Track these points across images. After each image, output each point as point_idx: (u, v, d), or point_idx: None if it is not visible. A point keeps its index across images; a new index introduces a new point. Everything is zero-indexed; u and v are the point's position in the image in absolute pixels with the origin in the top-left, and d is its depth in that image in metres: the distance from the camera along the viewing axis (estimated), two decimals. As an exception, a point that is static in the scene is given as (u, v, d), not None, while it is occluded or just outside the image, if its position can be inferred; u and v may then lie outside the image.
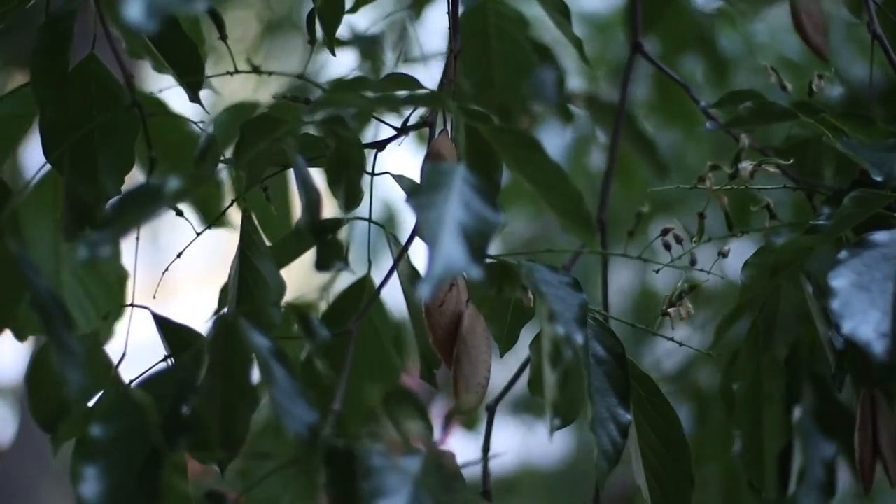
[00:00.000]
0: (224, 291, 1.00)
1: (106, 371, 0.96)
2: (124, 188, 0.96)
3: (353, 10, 1.19)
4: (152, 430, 0.68)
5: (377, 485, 0.67)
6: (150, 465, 0.68)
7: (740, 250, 1.03)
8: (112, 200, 0.73)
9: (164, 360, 0.93)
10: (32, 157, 2.26)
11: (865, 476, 0.97)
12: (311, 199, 0.74)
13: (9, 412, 3.02)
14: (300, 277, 1.09)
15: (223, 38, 0.91)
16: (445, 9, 1.03)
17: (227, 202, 1.06)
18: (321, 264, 0.74)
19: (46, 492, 2.35)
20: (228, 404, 0.75)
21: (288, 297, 0.96)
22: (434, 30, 1.77)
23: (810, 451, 1.18)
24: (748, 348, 1.01)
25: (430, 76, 1.59)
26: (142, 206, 0.71)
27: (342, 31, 1.03)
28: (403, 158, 1.07)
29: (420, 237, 0.72)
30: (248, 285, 0.94)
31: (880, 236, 0.85)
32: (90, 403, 0.95)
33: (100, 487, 0.68)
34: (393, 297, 1.01)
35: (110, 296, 1.09)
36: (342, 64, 1.60)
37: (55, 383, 0.91)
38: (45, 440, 0.97)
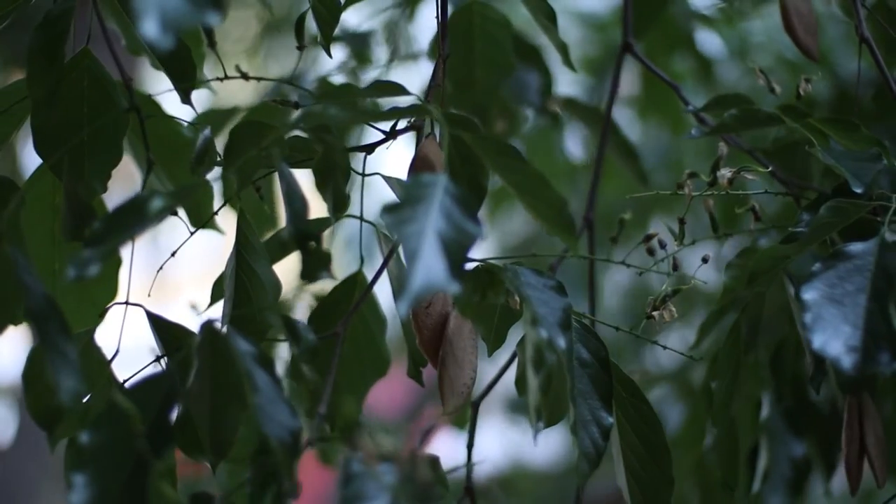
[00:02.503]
0: (217, 287, 1.01)
1: (100, 368, 0.96)
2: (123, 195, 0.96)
3: (344, 7, 1.20)
4: (138, 439, 0.69)
5: (355, 491, 0.68)
6: (137, 473, 0.69)
7: (734, 250, 1.04)
8: (99, 219, 0.74)
9: (157, 360, 0.94)
10: (31, 154, 2.27)
11: (852, 476, 0.98)
12: (297, 209, 0.75)
13: (9, 412, 3.03)
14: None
15: (212, 45, 0.92)
16: (437, 8, 1.04)
17: (217, 203, 1.07)
18: (306, 274, 0.75)
19: (46, 492, 2.36)
20: (217, 408, 0.76)
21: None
22: (427, 27, 1.77)
23: (778, 449, 1.19)
24: (728, 348, 1.02)
25: (421, 75, 1.60)
26: (128, 224, 0.72)
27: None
28: (397, 156, 1.08)
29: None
30: (245, 285, 0.95)
31: (854, 247, 0.85)
32: (85, 399, 0.96)
33: (88, 495, 0.69)
34: (384, 293, 1.02)
35: (104, 287, 1.10)
36: (336, 60, 1.60)
37: (51, 382, 0.92)
38: (45, 440, 0.97)
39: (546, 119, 1.60)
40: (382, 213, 0.70)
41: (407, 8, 1.68)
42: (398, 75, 1.65)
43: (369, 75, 1.63)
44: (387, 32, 1.61)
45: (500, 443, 2.62)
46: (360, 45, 1.62)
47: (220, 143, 0.97)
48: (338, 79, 1.56)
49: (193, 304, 1.27)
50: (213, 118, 1.35)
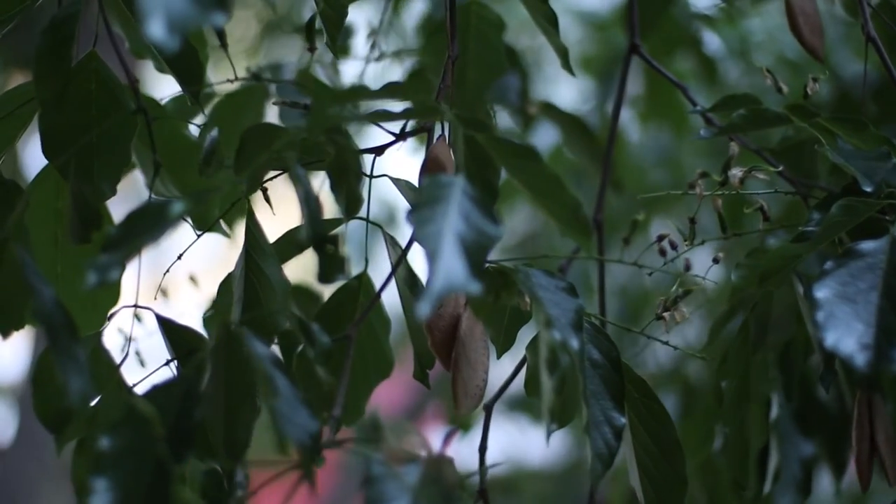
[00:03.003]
0: (223, 286, 1.00)
1: (108, 372, 0.96)
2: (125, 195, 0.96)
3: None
4: (159, 444, 0.69)
5: (377, 493, 0.68)
6: (158, 478, 0.68)
7: (731, 250, 1.03)
8: (117, 224, 0.73)
9: (167, 363, 0.94)
10: (32, 156, 2.27)
11: (863, 475, 0.97)
12: (313, 212, 0.74)
13: (9, 412, 3.03)
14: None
15: (224, 46, 0.92)
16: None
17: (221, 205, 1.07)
18: (324, 277, 0.75)
19: (46, 492, 2.36)
20: (231, 411, 0.76)
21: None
22: (410, 21, 1.76)
23: (788, 450, 1.19)
24: (738, 348, 1.02)
25: (404, 69, 1.59)
26: (147, 229, 0.72)
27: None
28: (403, 158, 1.08)
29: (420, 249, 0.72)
30: (254, 287, 0.95)
31: (866, 246, 0.86)
32: (93, 403, 0.96)
33: (110, 499, 0.68)
34: (388, 294, 1.02)
35: (108, 290, 1.09)
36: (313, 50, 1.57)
37: (60, 384, 0.91)
38: (45, 440, 0.97)
39: (520, 121, 1.60)
40: (407, 215, 0.70)
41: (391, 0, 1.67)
42: (381, 69, 1.64)
43: (350, 67, 1.63)
44: (370, 28, 1.60)
45: (500, 443, 2.61)
46: (341, 36, 1.60)
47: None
48: (316, 70, 1.55)
49: (164, 290, 1.26)
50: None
